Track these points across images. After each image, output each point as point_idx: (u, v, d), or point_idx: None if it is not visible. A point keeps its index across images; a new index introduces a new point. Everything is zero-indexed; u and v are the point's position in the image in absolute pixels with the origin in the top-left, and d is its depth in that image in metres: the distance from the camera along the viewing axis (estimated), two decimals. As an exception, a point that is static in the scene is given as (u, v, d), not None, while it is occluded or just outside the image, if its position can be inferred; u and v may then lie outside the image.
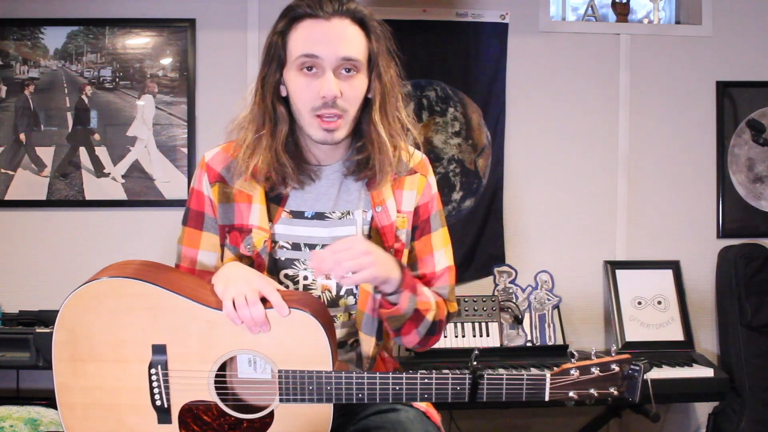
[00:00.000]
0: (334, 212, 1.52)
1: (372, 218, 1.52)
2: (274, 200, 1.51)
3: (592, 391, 1.35)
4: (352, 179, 1.53)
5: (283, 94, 1.48)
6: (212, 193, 1.51)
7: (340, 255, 1.33)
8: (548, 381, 1.34)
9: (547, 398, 1.34)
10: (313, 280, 1.51)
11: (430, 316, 1.50)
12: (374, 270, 1.35)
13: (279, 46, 1.44)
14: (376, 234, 1.51)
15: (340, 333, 1.51)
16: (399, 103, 1.53)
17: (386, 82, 1.49)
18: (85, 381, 1.34)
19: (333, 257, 1.33)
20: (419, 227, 1.59)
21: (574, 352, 1.41)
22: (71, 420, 1.35)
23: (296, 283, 1.51)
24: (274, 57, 1.45)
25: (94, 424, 1.35)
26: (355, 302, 1.52)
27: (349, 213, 1.53)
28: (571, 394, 1.34)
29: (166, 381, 1.34)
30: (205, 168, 1.53)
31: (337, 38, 1.41)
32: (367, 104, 1.49)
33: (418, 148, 1.61)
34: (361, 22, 1.45)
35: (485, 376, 1.33)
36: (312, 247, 1.50)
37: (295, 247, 1.50)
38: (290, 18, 1.43)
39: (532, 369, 2.60)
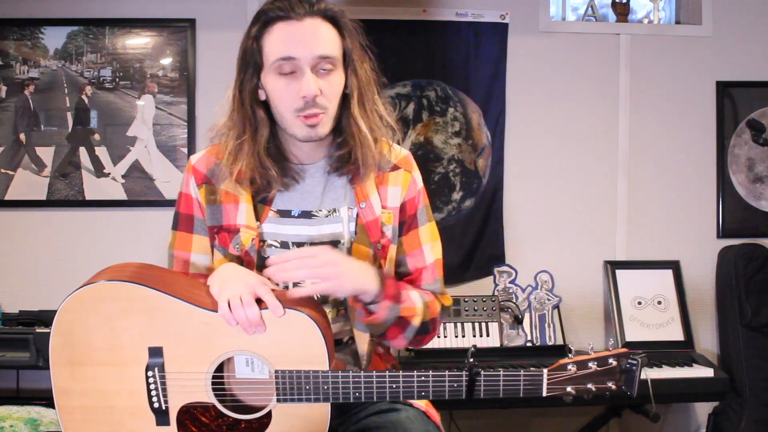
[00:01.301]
0: (320, 210, 1.53)
1: (357, 214, 1.53)
2: (261, 200, 1.52)
3: (589, 386, 1.34)
4: (336, 176, 1.53)
5: (262, 98, 1.48)
6: (200, 195, 1.53)
7: (301, 262, 1.35)
8: (545, 377, 1.34)
9: (544, 394, 1.34)
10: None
11: (416, 321, 1.50)
12: (337, 283, 1.36)
13: (254, 50, 1.45)
14: (362, 230, 1.52)
15: (333, 329, 1.51)
16: (376, 96, 1.54)
17: (362, 76, 1.50)
18: (83, 384, 1.34)
19: (293, 263, 1.34)
20: (406, 222, 1.59)
21: (571, 348, 1.40)
22: (70, 423, 1.35)
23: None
24: (251, 62, 1.45)
25: (93, 427, 1.35)
26: (345, 299, 1.52)
27: (335, 210, 1.53)
28: (568, 389, 1.34)
29: (163, 383, 1.34)
30: (191, 171, 1.54)
31: (311, 37, 1.41)
32: (345, 100, 1.50)
33: (398, 140, 1.62)
34: (333, 20, 1.45)
35: (482, 373, 1.33)
36: (300, 245, 1.51)
37: (284, 245, 1.51)
38: (263, 22, 1.44)
39: (531, 369, 2.59)
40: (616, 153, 3.13)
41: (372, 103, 1.52)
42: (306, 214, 1.52)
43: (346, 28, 1.47)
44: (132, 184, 2.97)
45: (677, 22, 3.27)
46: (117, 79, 2.97)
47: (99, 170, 2.96)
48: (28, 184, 2.94)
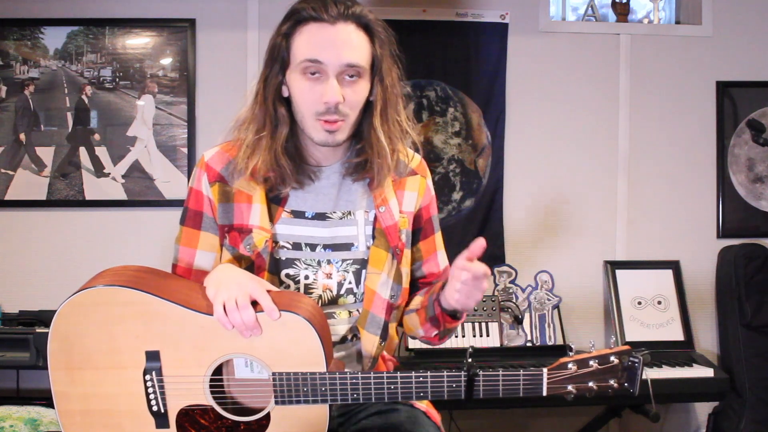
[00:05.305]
0: (334, 212, 1.52)
1: (375, 218, 1.53)
2: (274, 200, 1.50)
3: (591, 384, 1.32)
4: (351, 180, 1.53)
5: (285, 94, 1.48)
6: (211, 193, 1.51)
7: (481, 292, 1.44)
8: (545, 376, 1.33)
9: (544, 393, 1.33)
10: (314, 279, 1.51)
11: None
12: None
13: (283, 48, 1.44)
14: (381, 234, 1.52)
15: (341, 329, 1.51)
16: (399, 106, 1.54)
17: (388, 85, 1.49)
18: (82, 388, 1.34)
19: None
20: (423, 228, 1.62)
21: (572, 346, 1.40)
22: (71, 427, 1.35)
23: (297, 282, 1.51)
24: (277, 59, 1.45)
25: (93, 430, 1.35)
26: (355, 301, 1.53)
27: (350, 213, 1.53)
28: (569, 388, 1.33)
29: (161, 386, 1.34)
30: (204, 167, 1.52)
31: (341, 44, 1.40)
32: (368, 107, 1.49)
33: (417, 150, 1.63)
34: (366, 27, 1.44)
35: (480, 373, 1.32)
36: (313, 247, 1.50)
37: (296, 246, 1.50)
38: (295, 20, 1.43)
39: (531, 368, 2.59)
40: (616, 153, 3.13)
41: (395, 112, 1.52)
42: (320, 216, 1.51)
43: (378, 36, 1.46)
44: (132, 184, 2.97)
45: (677, 22, 3.27)
46: (117, 79, 2.97)
47: (99, 170, 2.96)
48: (28, 184, 2.94)
